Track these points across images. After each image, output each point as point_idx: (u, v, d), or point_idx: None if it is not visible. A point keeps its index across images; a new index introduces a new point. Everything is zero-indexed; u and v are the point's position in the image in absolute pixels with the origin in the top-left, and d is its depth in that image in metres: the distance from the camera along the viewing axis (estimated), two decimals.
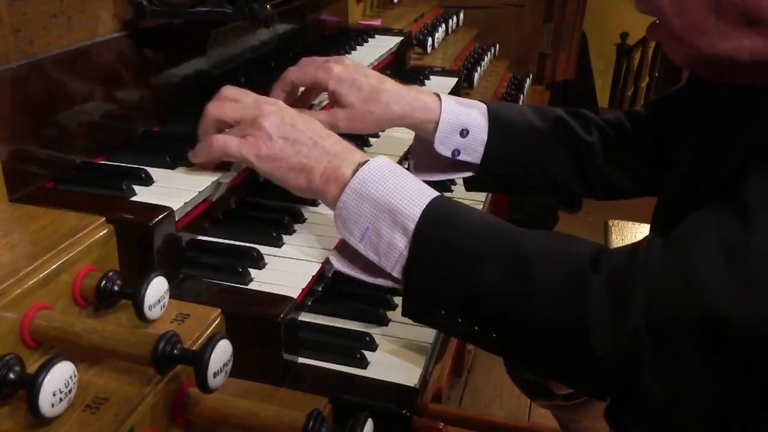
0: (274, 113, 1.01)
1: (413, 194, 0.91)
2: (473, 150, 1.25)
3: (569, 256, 0.83)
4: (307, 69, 1.21)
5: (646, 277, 0.76)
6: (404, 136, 1.48)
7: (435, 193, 0.93)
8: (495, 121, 1.25)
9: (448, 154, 1.25)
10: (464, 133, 1.23)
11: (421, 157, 1.34)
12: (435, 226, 0.89)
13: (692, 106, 1.15)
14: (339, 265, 0.97)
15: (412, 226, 0.89)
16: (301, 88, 1.27)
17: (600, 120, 1.34)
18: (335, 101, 1.21)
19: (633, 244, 0.82)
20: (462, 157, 1.25)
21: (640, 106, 1.38)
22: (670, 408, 0.78)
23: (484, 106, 1.27)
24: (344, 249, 0.98)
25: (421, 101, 1.24)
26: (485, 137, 1.24)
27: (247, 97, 1.06)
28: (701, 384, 0.76)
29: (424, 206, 0.89)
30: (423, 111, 1.23)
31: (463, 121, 1.23)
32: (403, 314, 0.92)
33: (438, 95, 1.26)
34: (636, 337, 0.75)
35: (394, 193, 0.91)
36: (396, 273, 0.90)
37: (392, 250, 0.90)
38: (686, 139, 1.12)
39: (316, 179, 0.97)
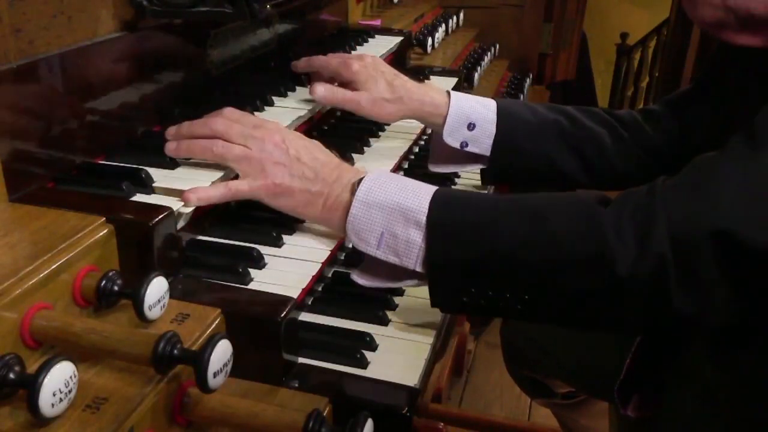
0: (277, 147, 1.04)
1: (416, 191, 0.96)
2: (481, 142, 1.35)
3: (575, 201, 0.90)
4: (331, 60, 1.39)
5: (666, 204, 0.84)
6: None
7: (435, 187, 0.97)
8: (503, 115, 1.35)
9: (456, 145, 1.36)
10: (471, 126, 1.34)
11: (436, 150, 1.45)
12: (445, 211, 0.93)
13: (706, 100, 1.24)
14: (363, 281, 1.01)
15: (423, 218, 0.92)
16: None
17: (609, 115, 1.41)
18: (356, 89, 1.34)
19: (648, 184, 0.88)
20: (470, 148, 1.35)
21: (654, 105, 1.44)
22: (695, 322, 0.85)
23: (493, 103, 1.36)
24: (365, 266, 1.02)
25: (430, 97, 1.36)
26: (493, 130, 1.34)
27: (249, 121, 1.09)
28: (721, 298, 0.82)
29: (430, 197, 0.94)
30: (431, 106, 1.36)
31: (469, 115, 1.34)
32: (433, 305, 0.95)
33: (449, 92, 1.37)
34: (662, 259, 0.81)
35: (398, 194, 0.95)
36: (419, 268, 0.94)
37: (411, 246, 0.93)
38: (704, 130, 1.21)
39: (319, 209, 1.03)
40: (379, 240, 0.95)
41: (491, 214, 0.91)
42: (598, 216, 0.86)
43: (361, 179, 0.99)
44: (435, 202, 0.93)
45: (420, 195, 0.95)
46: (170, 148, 1.08)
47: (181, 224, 1.01)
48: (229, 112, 1.10)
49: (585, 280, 0.85)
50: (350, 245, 1.18)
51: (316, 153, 1.07)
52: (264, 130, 1.07)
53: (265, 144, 1.04)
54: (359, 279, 1.02)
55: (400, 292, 1.11)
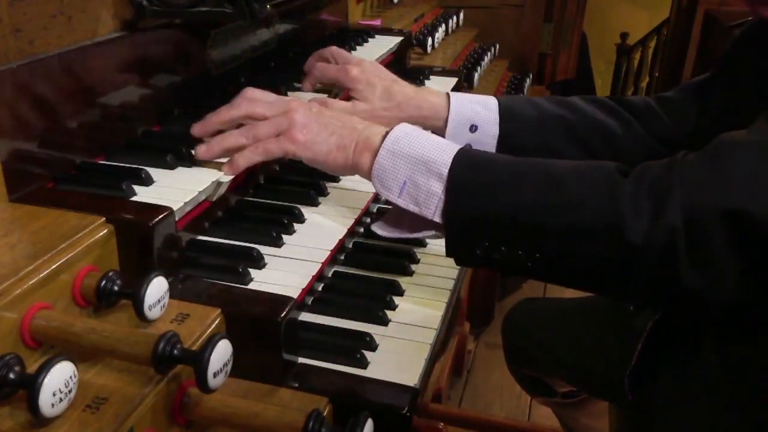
0: (301, 105, 1.10)
1: (442, 146, 1.00)
2: (485, 144, 1.32)
3: (597, 168, 0.92)
4: (328, 68, 1.39)
5: (683, 178, 0.85)
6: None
7: (460, 146, 1.01)
8: (506, 114, 1.33)
9: None
10: (473, 128, 1.32)
11: None
12: (467, 166, 0.97)
13: (727, 86, 1.22)
14: (384, 232, 1.05)
15: (445, 171, 0.96)
16: None
17: (619, 104, 1.37)
18: (355, 98, 1.34)
19: (668, 158, 0.90)
20: None
21: (669, 92, 1.40)
22: (702, 298, 0.86)
23: (494, 102, 1.34)
24: (387, 218, 1.06)
25: (429, 102, 1.34)
26: (497, 131, 1.32)
27: (270, 96, 1.14)
28: (729, 274, 0.83)
29: (454, 153, 0.98)
30: (430, 111, 1.34)
31: (471, 118, 1.32)
32: (448, 254, 0.98)
33: (449, 94, 1.35)
34: (673, 232, 0.83)
35: (424, 147, 0.99)
36: (437, 218, 0.97)
37: (431, 197, 0.97)
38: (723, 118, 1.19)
39: (351, 153, 1.05)
40: (401, 188, 0.99)
41: (512, 173, 0.95)
42: (617, 185, 0.88)
43: (390, 130, 1.03)
44: (458, 158, 0.97)
45: (445, 150, 0.98)
46: (201, 150, 1.09)
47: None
48: (249, 91, 1.14)
49: (598, 247, 0.87)
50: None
51: (336, 112, 1.13)
52: (283, 98, 1.14)
53: (287, 106, 1.09)
54: (380, 230, 1.05)
55: (400, 292, 1.11)
